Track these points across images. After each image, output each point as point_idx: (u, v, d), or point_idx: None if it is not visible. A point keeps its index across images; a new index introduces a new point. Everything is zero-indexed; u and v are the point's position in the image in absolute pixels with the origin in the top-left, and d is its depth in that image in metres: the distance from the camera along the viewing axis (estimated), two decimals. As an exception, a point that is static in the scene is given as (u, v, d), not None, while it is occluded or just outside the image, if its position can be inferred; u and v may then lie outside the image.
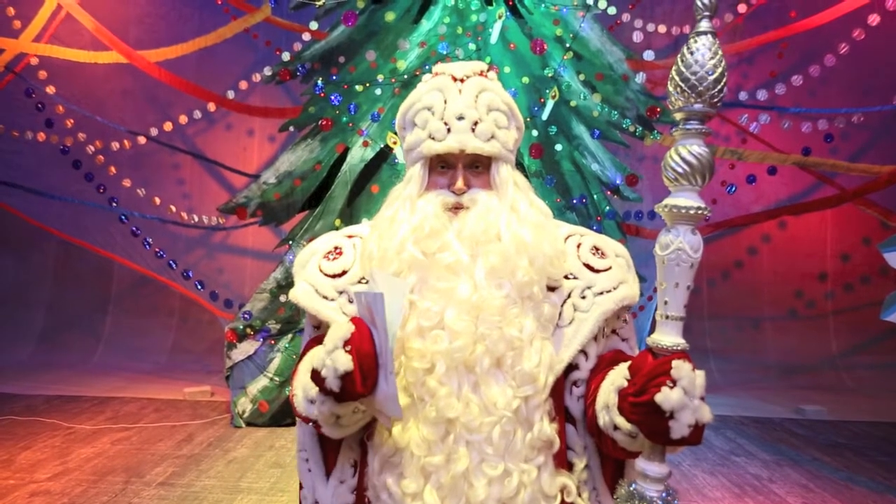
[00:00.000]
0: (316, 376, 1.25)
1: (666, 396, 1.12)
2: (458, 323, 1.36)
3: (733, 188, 6.66)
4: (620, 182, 6.16)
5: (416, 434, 1.36)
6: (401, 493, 1.36)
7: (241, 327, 6.00)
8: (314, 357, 1.29)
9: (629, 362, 1.32)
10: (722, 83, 1.13)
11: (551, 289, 1.50)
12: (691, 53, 1.13)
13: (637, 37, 6.35)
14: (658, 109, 6.07)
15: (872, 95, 7.39)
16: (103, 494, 4.27)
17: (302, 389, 1.41)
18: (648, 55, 6.09)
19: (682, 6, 7.73)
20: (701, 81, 1.12)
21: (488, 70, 1.58)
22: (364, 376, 1.20)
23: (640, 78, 6.13)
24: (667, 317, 1.21)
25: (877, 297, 5.11)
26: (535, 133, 5.73)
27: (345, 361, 1.19)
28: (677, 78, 1.14)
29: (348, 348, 1.21)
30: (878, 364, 8.23)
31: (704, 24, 1.14)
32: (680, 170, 1.15)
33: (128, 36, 7.49)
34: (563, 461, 1.46)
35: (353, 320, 1.26)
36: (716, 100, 1.13)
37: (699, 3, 1.13)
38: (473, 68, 1.55)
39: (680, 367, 1.13)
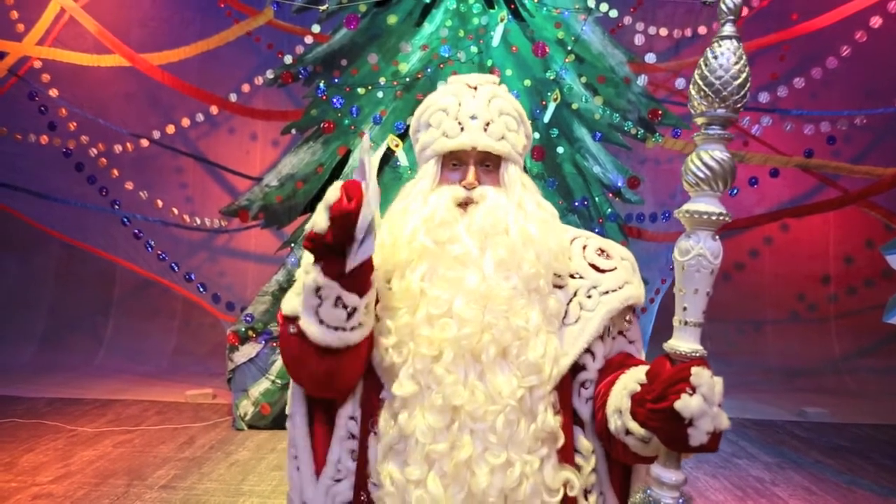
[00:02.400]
0: (309, 237, 1.29)
1: (686, 404, 1.12)
2: (467, 311, 1.38)
3: (735, 190, 6.66)
4: (622, 184, 6.16)
5: (421, 421, 1.37)
6: (404, 480, 1.38)
7: (243, 330, 6.00)
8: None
9: (641, 367, 1.34)
10: (746, 88, 1.12)
11: (557, 287, 1.52)
12: (715, 58, 1.13)
13: (639, 40, 6.34)
14: (659, 112, 6.08)
15: (875, 97, 7.39)
16: (105, 497, 4.28)
17: (294, 287, 1.47)
18: (650, 58, 6.09)
19: (683, 9, 7.72)
20: (725, 86, 1.12)
21: (499, 83, 1.63)
22: (349, 197, 1.24)
23: (642, 81, 6.13)
24: (685, 323, 1.21)
25: (880, 300, 5.12)
26: (536, 136, 5.73)
27: (334, 193, 1.25)
28: (700, 82, 1.14)
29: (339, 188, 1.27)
30: (881, 367, 8.23)
31: (728, 28, 1.14)
32: (701, 175, 1.15)
33: (130, 39, 7.46)
34: (569, 458, 1.46)
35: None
36: (739, 105, 1.13)
37: (724, 7, 1.13)
38: (486, 79, 1.61)
39: (700, 374, 1.13)
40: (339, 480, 1.54)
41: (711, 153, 1.15)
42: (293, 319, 1.41)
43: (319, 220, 1.26)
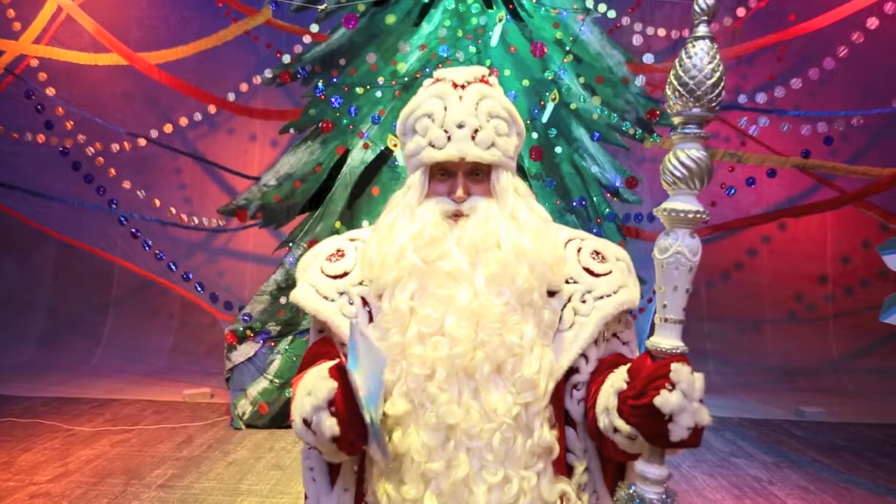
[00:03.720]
0: (307, 426, 1.27)
1: (665, 399, 1.13)
2: (459, 329, 1.36)
3: (733, 190, 6.67)
4: (620, 184, 6.17)
5: (416, 440, 1.35)
6: (401, 498, 1.36)
7: (241, 329, 6.00)
8: (300, 405, 1.30)
9: (629, 365, 1.33)
10: (720, 88, 1.13)
11: (551, 293, 1.50)
12: (689, 58, 1.14)
13: (637, 40, 6.36)
14: (658, 112, 6.09)
15: (871, 98, 7.40)
16: (103, 497, 4.28)
17: (299, 416, 1.35)
18: (648, 58, 6.10)
19: (681, 9, 7.74)
20: (699, 86, 1.12)
21: (489, 75, 1.57)
22: (351, 441, 1.23)
23: (640, 81, 6.14)
24: (665, 320, 1.22)
25: (877, 300, 5.12)
26: (535, 135, 5.74)
27: (331, 426, 1.21)
28: (675, 82, 1.14)
29: (333, 409, 1.22)
30: (878, 367, 8.23)
31: (702, 29, 1.14)
32: (678, 173, 1.16)
33: (128, 38, 7.48)
34: (562, 467, 1.46)
35: (331, 373, 1.27)
36: (714, 104, 1.14)
37: (697, 8, 1.13)
38: (475, 74, 1.54)
39: (679, 370, 1.14)
40: (346, 490, 1.55)
41: (688, 152, 1.16)
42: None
43: (322, 440, 1.26)
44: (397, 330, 1.41)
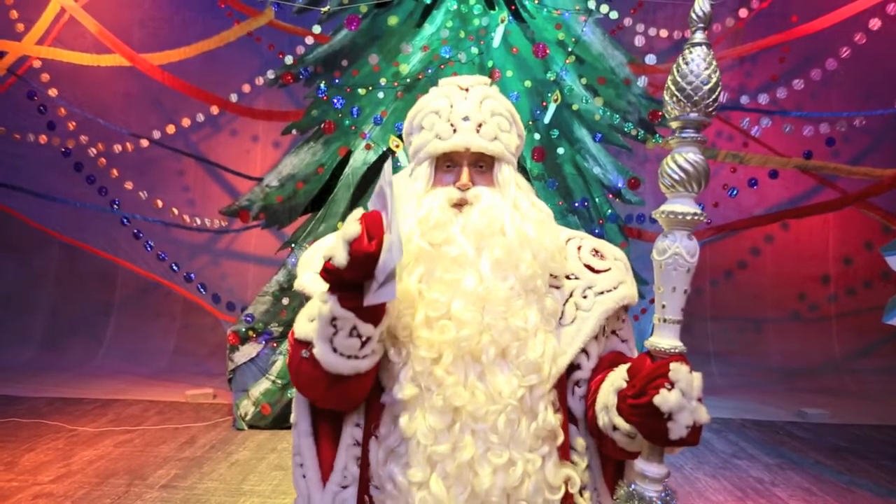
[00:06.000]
0: (326, 268, 1.27)
1: (664, 398, 1.15)
2: (465, 313, 1.39)
3: (735, 192, 6.67)
4: (622, 185, 6.17)
5: (422, 423, 1.37)
6: (406, 482, 1.38)
7: (244, 330, 6.02)
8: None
9: (628, 364, 1.35)
10: (716, 93, 1.15)
11: (554, 288, 1.53)
12: (686, 64, 1.16)
13: (639, 41, 6.35)
14: (660, 113, 6.08)
15: (874, 99, 7.39)
16: (106, 497, 4.29)
17: (306, 310, 1.46)
18: (650, 59, 6.09)
19: (683, 10, 7.73)
20: (696, 91, 1.14)
21: (491, 84, 1.64)
22: (370, 236, 1.22)
23: (642, 82, 6.14)
24: (664, 320, 1.24)
25: (879, 300, 5.12)
26: (537, 136, 5.74)
27: (354, 228, 1.22)
28: (673, 88, 1.17)
29: (359, 221, 1.25)
30: (880, 368, 8.22)
31: (699, 36, 1.17)
32: (676, 177, 1.18)
33: (131, 39, 7.50)
34: (567, 455, 1.48)
35: None
36: (710, 109, 1.16)
37: (694, 15, 1.16)
38: (477, 80, 1.62)
39: (678, 370, 1.16)
40: (345, 487, 1.54)
41: (685, 156, 1.18)
42: (306, 344, 1.41)
43: (338, 255, 1.23)
44: (405, 312, 1.43)
